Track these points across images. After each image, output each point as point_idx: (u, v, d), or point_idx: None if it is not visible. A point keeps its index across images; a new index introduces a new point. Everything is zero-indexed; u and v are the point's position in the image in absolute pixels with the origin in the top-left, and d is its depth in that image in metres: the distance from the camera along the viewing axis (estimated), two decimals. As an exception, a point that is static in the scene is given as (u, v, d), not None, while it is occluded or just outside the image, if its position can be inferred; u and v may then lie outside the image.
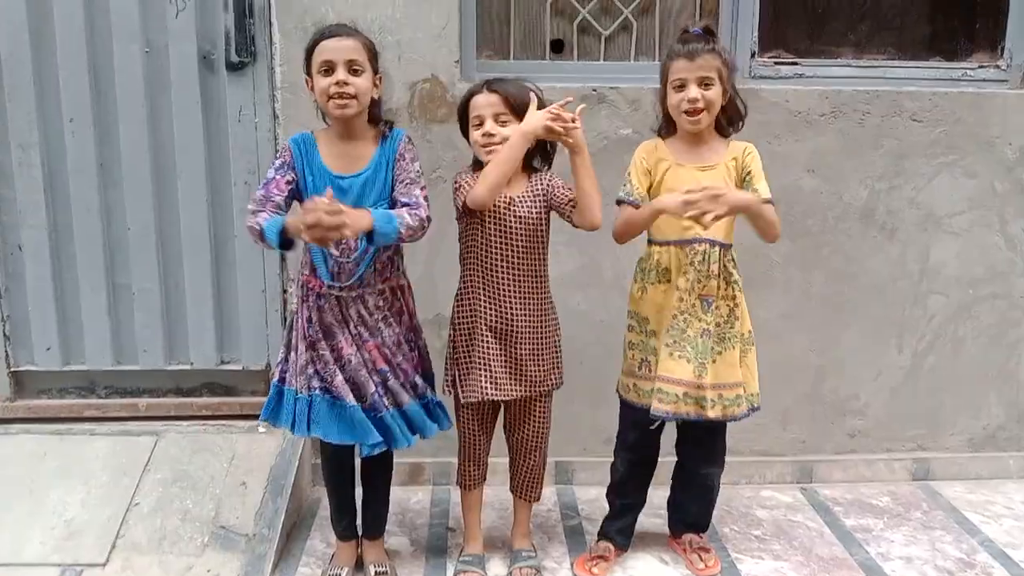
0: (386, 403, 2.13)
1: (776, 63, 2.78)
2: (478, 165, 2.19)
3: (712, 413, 2.15)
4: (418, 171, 2.11)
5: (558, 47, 2.80)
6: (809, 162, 2.72)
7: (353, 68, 2.02)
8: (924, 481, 2.96)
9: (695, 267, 2.14)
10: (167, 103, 2.59)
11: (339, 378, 2.10)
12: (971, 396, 2.95)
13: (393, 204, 2.08)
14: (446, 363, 2.30)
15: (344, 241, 2.02)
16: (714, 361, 2.16)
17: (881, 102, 2.72)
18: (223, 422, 2.75)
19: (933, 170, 2.78)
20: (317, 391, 2.12)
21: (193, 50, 2.56)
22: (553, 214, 2.22)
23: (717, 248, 2.15)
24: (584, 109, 2.16)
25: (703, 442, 2.32)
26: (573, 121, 2.03)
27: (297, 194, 2.08)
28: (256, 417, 2.74)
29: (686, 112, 2.11)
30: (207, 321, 2.73)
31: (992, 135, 2.77)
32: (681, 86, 2.10)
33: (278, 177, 2.05)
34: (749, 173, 2.14)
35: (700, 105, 2.09)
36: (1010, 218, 2.84)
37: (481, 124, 2.12)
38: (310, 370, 2.12)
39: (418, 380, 2.21)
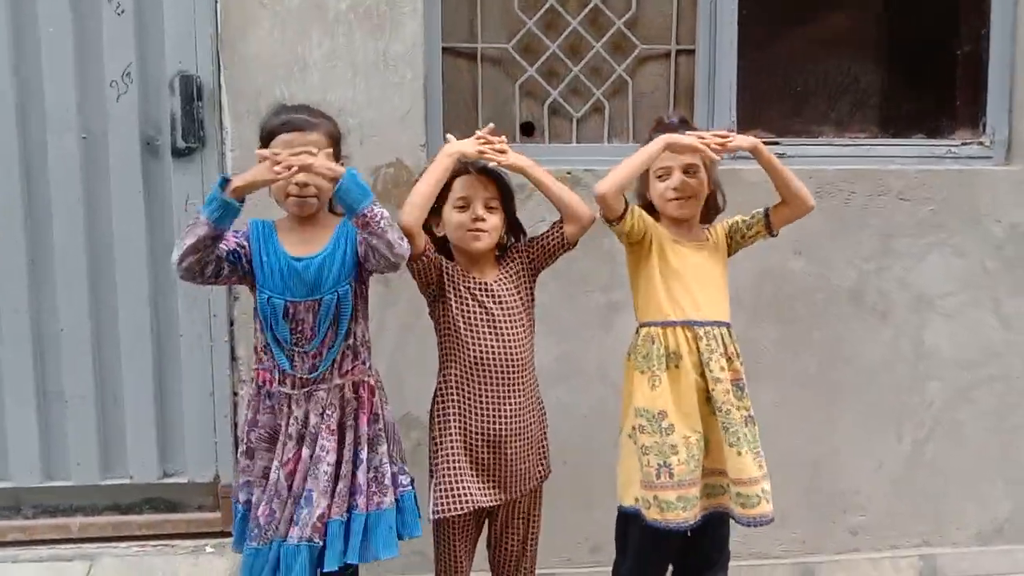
0: (266, 535, 1.87)
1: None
2: (443, 249, 2.03)
3: (767, 507, 1.99)
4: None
5: (528, 129, 2.71)
6: (796, 244, 2.62)
7: None
8: (933, 580, 2.78)
9: (713, 351, 2.00)
10: (106, 193, 2.42)
11: (255, 496, 1.89)
12: (976, 486, 2.81)
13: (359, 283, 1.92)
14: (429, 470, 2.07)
15: (299, 323, 1.84)
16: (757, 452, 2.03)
17: (866, 181, 2.65)
18: (166, 542, 2.53)
19: (922, 250, 2.70)
20: (241, 505, 1.92)
21: (135, 136, 2.41)
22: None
23: (724, 328, 2.04)
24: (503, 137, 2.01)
25: (720, 545, 2.14)
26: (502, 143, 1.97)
27: (241, 269, 1.88)
28: (203, 536, 2.52)
29: (671, 200, 2.03)
30: (148, 430, 2.51)
31: (980, 212, 2.70)
32: (665, 175, 2.02)
33: (228, 234, 1.86)
34: (735, 222, 2.10)
35: (688, 192, 2.02)
36: (1003, 297, 2.75)
37: (466, 207, 1.97)
38: (241, 480, 1.93)
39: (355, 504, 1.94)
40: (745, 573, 2.68)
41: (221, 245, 1.84)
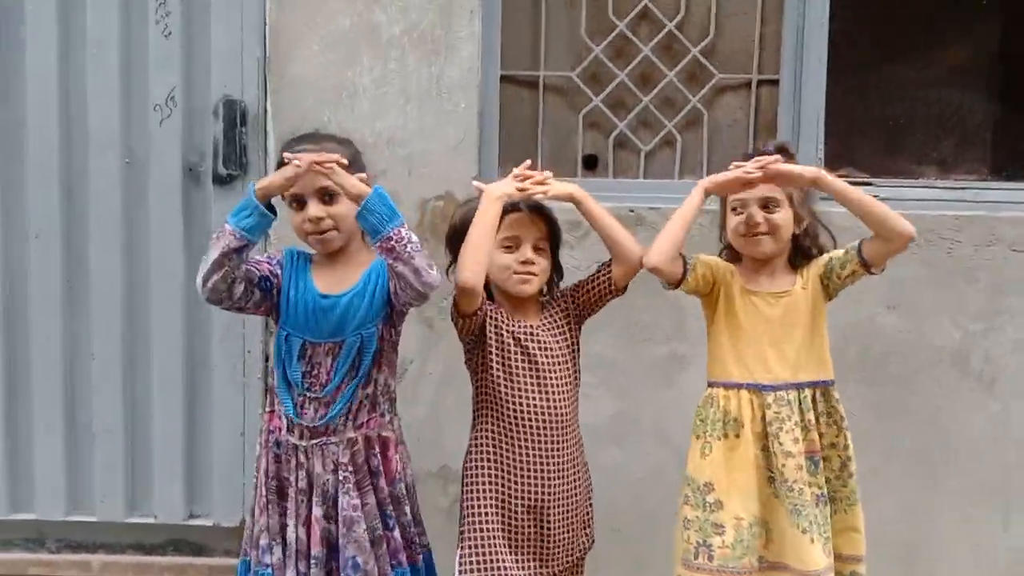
0: None
1: (847, 182, 2.40)
2: (491, 298, 1.84)
3: None
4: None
5: (591, 163, 2.51)
6: (889, 297, 2.34)
7: (326, 195, 1.70)
8: None
9: (784, 420, 1.76)
10: (144, 219, 2.35)
11: (276, 557, 1.73)
12: (1097, 585, 2.43)
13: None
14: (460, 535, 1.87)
15: (315, 366, 1.70)
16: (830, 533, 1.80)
17: (973, 229, 2.35)
18: (189, 586, 2.39)
19: (1038, 309, 2.37)
20: (268, 570, 1.74)
21: (177, 161, 2.33)
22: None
23: (809, 391, 1.79)
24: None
25: None
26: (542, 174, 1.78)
27: (271, 299, 1.75)
28: (227, 583, 2.37)
29: (743, 235, 1.80)
30: (176, 468, 2.40)
31: (1106, 267, 2.35)
32: (740, 209, 1.79)
33: (262, 260, 1.77)
34: (829, 259, 1.83)
35: (762, 229, 1.78)
36: None
37: (515, 248, 1.79)
38: (263, 541, 1.75)
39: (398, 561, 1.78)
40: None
41: (253, 269, 1.71)
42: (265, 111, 2.30)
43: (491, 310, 1.80)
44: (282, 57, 2.28)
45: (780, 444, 1.76)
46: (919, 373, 2.38)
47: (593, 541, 1.91)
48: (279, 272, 1.76)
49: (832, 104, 2.41)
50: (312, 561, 1.71)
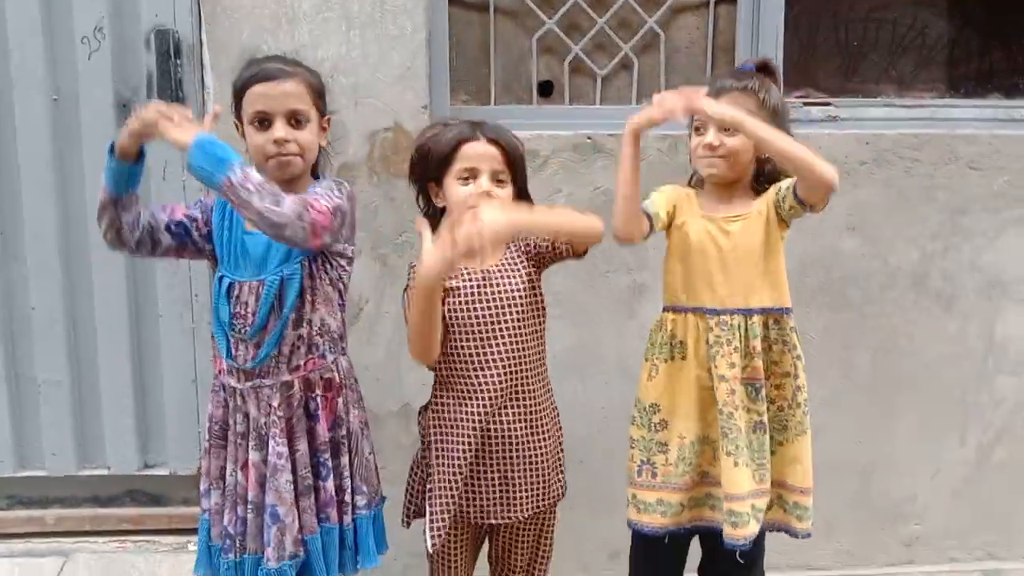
0: (240, 546, 1.67)
1: (805, 103, 2.40)
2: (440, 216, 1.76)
3: (754, 528, 1.74)
4: (330, 192, 1.63)
5: (547, 89, 2.43)
6: (849, 219, 2.32)
7: (295, 119, 1.63)
8: (998, 598, 2.53)
9: (724, 344, 1.74)
10: (77, 159, 2.21)
11: (214, 501, 1.70)
12: (1050, 496, 2.52)
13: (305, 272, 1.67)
14: (410, 485, 1.85)
15: (241, 307, 1.63)
16: (774, 452, 1.80)
17: (932, 148, 2.33)
18: (147, 537, 2.36)
19: (997, 227, 2.38)
20: (205, 515, 1.73)
21: (109, 97, 2.19)
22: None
23: (759, 317, 1.76)
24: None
25: (740, 566, 1.85)
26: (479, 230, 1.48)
27: (193, 245, 1.70)
28: (186, 532, 2.34)
29: (701, 158, 1.76)
30: (127, 418, 2.33)
31: (1065, 185, 2.37)
32: (701, 130, 1.75)
33: (178, 204, 1.71)
34: (778, 189, 1.75)
35: (720, 151, 1.73)
36: (1090, 283, 2.41)
37: (472, 179, 1.69)
38: (203, 485, 1.73)
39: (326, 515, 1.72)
40: (785, 588, 2.45)
41: (161, 215, 1.65)
42: (200, 41, 2.17)
43: None
44: (215, -17, 2.15)
45: (716, 368, 1.75)
46: (878, 296, 2.38)
47: (565, 489, 1.86)
48: (199, 216, 1.69)
49: (791, 24, 2.35)
50: (249, 505, 1.65)
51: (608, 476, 2.23)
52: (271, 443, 1.63)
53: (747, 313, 1.76)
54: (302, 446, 1.65)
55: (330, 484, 1.67)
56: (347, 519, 1.70)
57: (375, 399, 2.17)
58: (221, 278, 1.66)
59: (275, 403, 1.64)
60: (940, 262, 2.38)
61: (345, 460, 1.70)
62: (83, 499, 2.38)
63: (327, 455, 1.67)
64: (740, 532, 1.74)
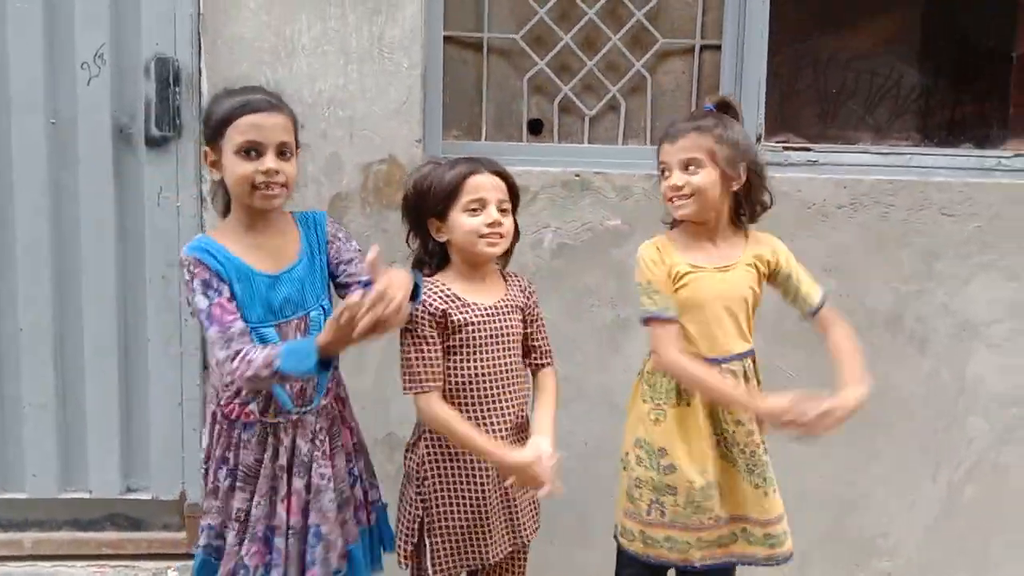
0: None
1: (785, 148, 2.47)
2: (444, 259, 1.80)
3: (790, 544, 1.85)
4: (357, 249, 1.76)
5: (536, 128, 2.49)
6: (826, 260, 2.37)
7: (282, 151, 1.65)
8: (968, 638, 2.54)
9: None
10: (73, 183, 2.22)
11: (229, 541, 1.69)
12: (1019, 534, 2.56)
13: (346, 287, 1.71)
14: (404, 525, 1.82)
15: (284, 336, 1.67)
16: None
17: (906, 194, 2.40)
18: (127, 562, 2.33)
19: (968, 272, 2.45)
20: (202, 551, 1.72)
21: (107, 123, 2.21)
22: None
23: (749, 359, 1.83)
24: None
25: None
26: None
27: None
28: (167, 557, 2.33)
29: (669, 199, 1.79)
30: (111, 441, 2.31)
31: (1033, 232, 2.44)
32: (667, 172, 1.78)
33: (219, 300, 1.59)
34: (789, 277, 1.83)
35: (685, 191, 1.75)
36: (1057, 327, 2.48)
37: (481, 209, 1.72)
38: (210, 522, 1.72)
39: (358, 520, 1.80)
40: (758, 621, 2.45)
41: (239, 323, 1.60)
42: (199, 70, 2.20)
43: (443, 305, 1.72)
44: (217, 13, 2.18)
45: (731, 414, 1.79)
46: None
47: (538, 528, 1.90)
48: (224, 281, 1.61)
49: (773, 71, 2.43)
50: (289, 531, 1.68)
51: (590, 509, 2.25)
52: (314, 467, 1.67)
53: (742, 357, 1.81)
54: (339, 462, 1.72)
55: (359, 489, 1.75)
56: (373, 516, 1.78)
57: (361, 426, 2.18)
58: (255, 329, 1.62)
59: (319, 427, 1.68)
60: (914, 304, 2.44)
61: (363, 461, 1.80)
62: (63, 522, 2.35)
63: (353, 463, 1.76)
64: (781, 551, 1.83)
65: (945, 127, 2.63)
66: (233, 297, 1.60)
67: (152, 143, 2.22)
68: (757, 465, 1.79)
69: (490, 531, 1.77)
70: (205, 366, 2.28)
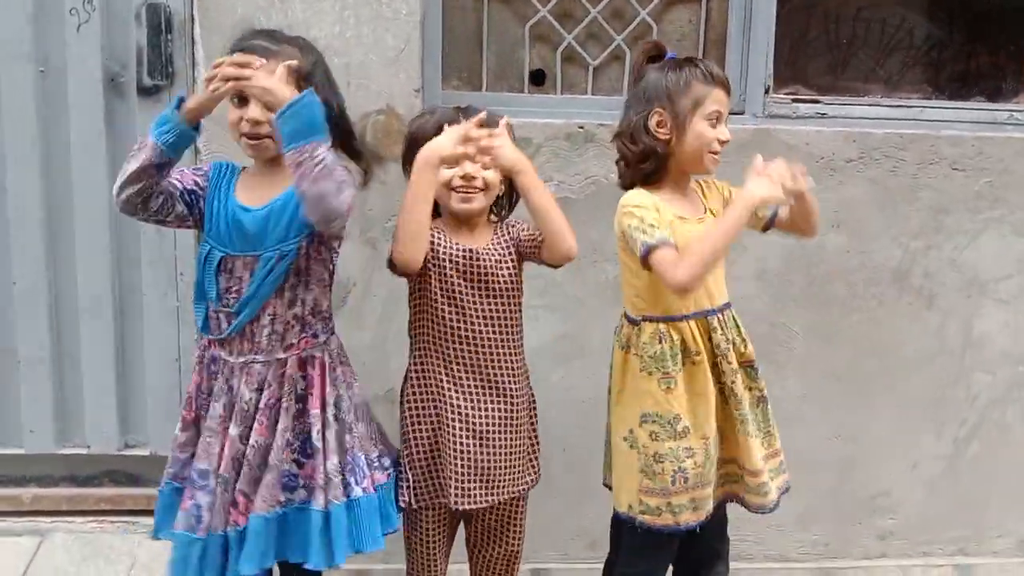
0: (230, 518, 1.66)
1: (794, 100, 2.41)
2: (436, 213, 1.77)
3: (775, 496, 1.85)
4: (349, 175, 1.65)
5: (539, 78, 2.43)
6: (834, 216, 2.34)
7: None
8: (968, 592, 2.57)
9: (730, 340, 1.79)
10: (64, 133, 2.19)
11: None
12: (1021, 491, 2.56)
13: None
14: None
15: (233, 282, 1.63)
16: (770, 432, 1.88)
17: (916, 148, 2.35)
18: (125, 518, 2.35)
19: (978, 227, 2.41)
20: (173, 482, 1.73)
21: (98, 71, 2.17)
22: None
23: (730, 310, 1.82)
24: (509, 123, 1.74)
25: (722, 533, 1.96)
26: (490, 137, 1.66)
27: (196, 212, 1.67)
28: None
29: (712, 153, 1.74)
30: (108, 397, 2.31)
31: (1045, 187, 2.41)
32: (717, 121, 1.73)
33: (185, 171, 1.67)
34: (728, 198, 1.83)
35: (714, 148, 1.75)
36: (1066, 283, 2.45)
37: (455, 162, 1.69)
38: (181, 454, 1.72)
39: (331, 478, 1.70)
40: (760, 577, 2.47)
41: (176, 181, 1.62)
42: (192, 16, 2.14)
43: (432, 232, 1.71)
44: (209, -42, 2.13)
45: (728, 363, 1.78)
46: (861, 292, 2.41)
47: (539, 477, 1.89)
48: (205, 184, 1.67)
49: (783, 20, 2.37)
50: (218, 479, 1.65)
51: (590, 466, 2.23)
52: (257, 422, 1.62)
53: (726, 307, 1.81)
54: (281, 424, 1.64)
55: (320, 463, 1.64)
56: (335, 500, 1.65)
57: (361, 382, 2.16)
58: (210, 251, 1.64)
59: (271, 379, 1.63)
60: (922, 260, 2.41)
61: (347, 437, 1.69)
62: (61, 478, 2.36)
63: (313, 434, 1.65)
64: (767, 500, 1.83)
65: (957, 79, 2.56)
66: (198, 192, 1.65)
67: (144, 92, 2.18)
68: (746, 413, 1.80)
69: (467, 477, 1.75)
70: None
